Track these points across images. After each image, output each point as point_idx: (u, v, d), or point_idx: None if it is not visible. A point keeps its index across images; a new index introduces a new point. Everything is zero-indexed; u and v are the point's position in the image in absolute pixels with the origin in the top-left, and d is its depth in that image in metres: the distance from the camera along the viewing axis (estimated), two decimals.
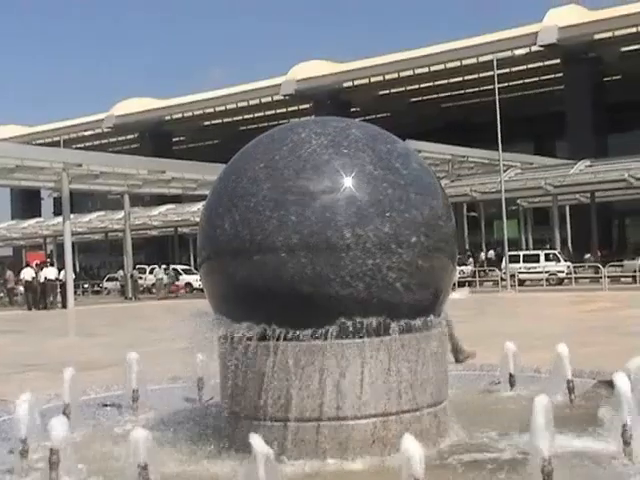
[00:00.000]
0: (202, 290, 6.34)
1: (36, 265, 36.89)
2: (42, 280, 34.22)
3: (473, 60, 55.98)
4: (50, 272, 35.07)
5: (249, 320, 5.55)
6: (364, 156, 5.67)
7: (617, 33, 51.98)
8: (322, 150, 5.65)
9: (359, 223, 5.39)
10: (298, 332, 5.36)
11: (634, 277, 33.77)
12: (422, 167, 6.15)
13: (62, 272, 35.62)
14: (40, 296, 34.24)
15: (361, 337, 5.38)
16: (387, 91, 64.09)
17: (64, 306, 34.04)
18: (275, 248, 5.39)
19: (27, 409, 5.39)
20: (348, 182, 5.49)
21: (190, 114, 71.86)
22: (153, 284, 43.25)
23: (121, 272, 45.07)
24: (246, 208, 5.57)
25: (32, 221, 63.41)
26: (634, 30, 51.21)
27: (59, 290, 35.28)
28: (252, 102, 68.18)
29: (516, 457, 5.01)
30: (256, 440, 3.88)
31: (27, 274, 35.21)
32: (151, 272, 45.02)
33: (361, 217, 5.41)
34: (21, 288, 36.66)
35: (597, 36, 53.13)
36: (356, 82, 63.46)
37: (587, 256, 41.22)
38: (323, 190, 5.45)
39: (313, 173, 5.53)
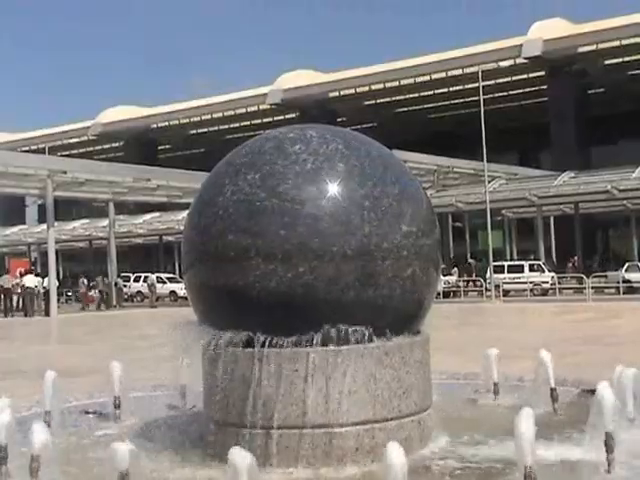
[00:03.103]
0: (186, 298, 6.33)
1: (19, 273, 36.71)
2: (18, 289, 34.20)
3: (459, 71, 56.28)
4: (29, 280, 34.92)
5: (233, 327, 5.54)
6: (350, 164, 5.68)
7: (601, 46, 52.42)
8: (307, 158, 5.65)
9: (344, 231, 5.40)
10: (282, 339, 5.35)
11: (617, 288, 33.98)
12: (407, 176, 6.17)
13: (45, 280, 35.42)
14: (18, 304, 34.14)
15: (345, 345, 5.37)
16: (373, 101, 64.31)
17: (47, 314, 33.82)
18: (259, 256, 5.38)
19: (7, 416, 5.33)
20: (333, 190, 5.50)
21: (176, 122, 71.76)
22: (138, 292, 43.01)
23: (99, 279, 44.53)
24: (229, 216, 5.56)
25: (16, 228, 63.01)
26: (617, 43, 51.67)
27: (42, 299, 35.11)
28: (238, 111, 68.20)
29: (499, 465, 5.01)
30: (236, 450, 3.86)
31: (5, 282, 35.04)
32: (136, 280, 44.82)
33: (346, 225, 5.42)
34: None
35: (581, 49, 53.57)
36: (342, 92, 63.62)
37: (569, 265, 41.54)
38: (308, 198, 5.45)
39: (298, 181, 5.53)
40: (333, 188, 5.50)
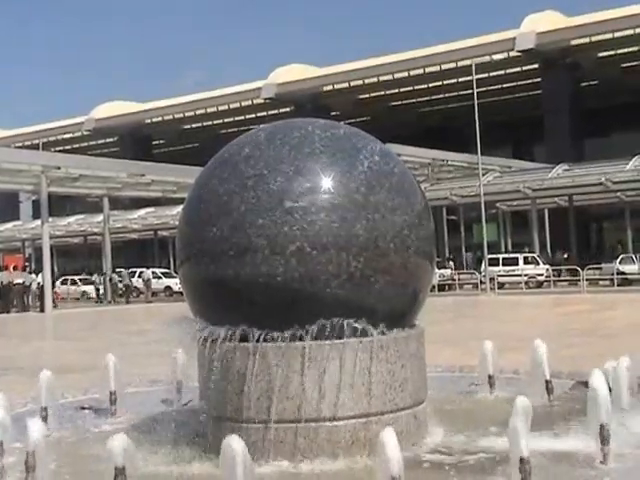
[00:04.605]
0: (181, 293, 6.32)
1: (13, 268, 36.68)
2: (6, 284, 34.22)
3: (452, 65, 56.19)
4: (18, 276, 34.92)
5: (229, 322, 5.54)
6: (345, 157, 5.68)
7: (594, 39, 52.41)
8: (303, 152, 5.66)
9: (338, 225, 5.40)
10: (278, 333, 5.35)
11: (612, 280, 34.07)
12: (401, 169, 6.17)
13: (39, 276, 35.39)
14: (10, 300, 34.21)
15: (340, 338, 5.38)
16: (367, 95, 64.21)
17: (42, 310, 33.78)
18: (254, 250, 5.39)
19: (2, 412, 5.33)
20: (328, 184, 5.50)
21: (170, 117, 71.54)
22: (135, 287, 42.88)
23: (96, 276, 44.68)
24: (224, 211, 5.56)
25: (10, 224, 62.79)
26: (611, 36, 51.67)
27: (37, 294, 35.12)
28: (232, 105, 68.04)
29: (495, 457, 5.03)
30: (234, 441, 3.88)
31: (2, 278, 34.98)
32: (132, 275, 44.79)
33: (340, 219, 5.42)
34: None
35: (574, 42, 53.55)
36: (336, 86, 63.52)
37: (564, 255, 41.63)
38: (303, 192, 5.45)
39: (293, 175, 5.53)
40: (327, 182, 5.50)
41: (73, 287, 47.27)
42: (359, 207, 5.48)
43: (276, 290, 5.36)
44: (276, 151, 5.71)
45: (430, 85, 61.34)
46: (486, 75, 51.57)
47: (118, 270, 42.81)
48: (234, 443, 3.87)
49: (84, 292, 45.66)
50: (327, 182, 5.50)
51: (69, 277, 49.29)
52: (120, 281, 41.80)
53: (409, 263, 5.68)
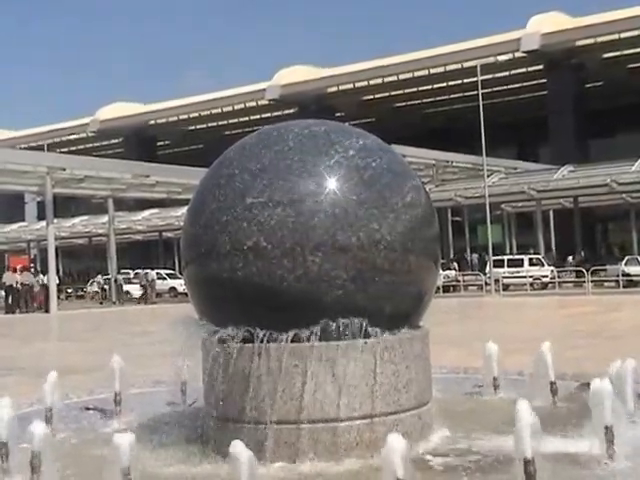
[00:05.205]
0: (186, 294, 6.33)
1: (19, 269, 36.78)
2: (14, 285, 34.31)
3: (457, 66, 56.17)
4: (24, 277, 34.98)
5: (233, 323, 5.54)
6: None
7: (599, 40, 52.35)
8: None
9: (343, 226, 5.39)
10: (282, 334, 5.35)
11: (617, 282, 33.98)
12: (405, 169, 6.17)
13: (45, 276, 35.47)
14: (16, 301, 34.28)
15: (345, 339, 5.38)
16: (371, 96, 64.21)
17: (46, 310, 33.84)
18: (258, 251, 5.39)
19: (7, 412, 5.34)
20: (331, 185, 5.49)
21: (175, 119, 71.64)
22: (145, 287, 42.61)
23: (99, 277, 44.67)
24: (229, 212, 5.56)
25: (15, 225, 62.93)
26: (616, 37, 51.60)
27: (39, 295, 35.22)
28: (237, 107, 68.12)
29: (500, 459, 5.02)
30: (237, 444, 3.88)
31: (8, 278, 35.01)
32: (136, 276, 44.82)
33: (345, 220, 5.41)
34: (2, 292, 36.49)
35: (579, 42, 53.49)
36: (341, 87, 63.54)
37: (570, 260, 41.48)
38: (306, 194, 5.45)
39: (297, 176, 5.53)
40: (331, 183, 5.50)
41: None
42: (364, 207, 5.46)
43: (280, 291, 5.36)
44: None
45: (435, 86, 61.32)
46: (491, 76, 51.50)
47: (135, 272, 42.78)
48: (240, 446, 3.87)
49: (127, 292, 42.89)
50: (330, 182, 5.47)
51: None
52: (138, 282, 41.29)
53: (413, 263, 5.64)
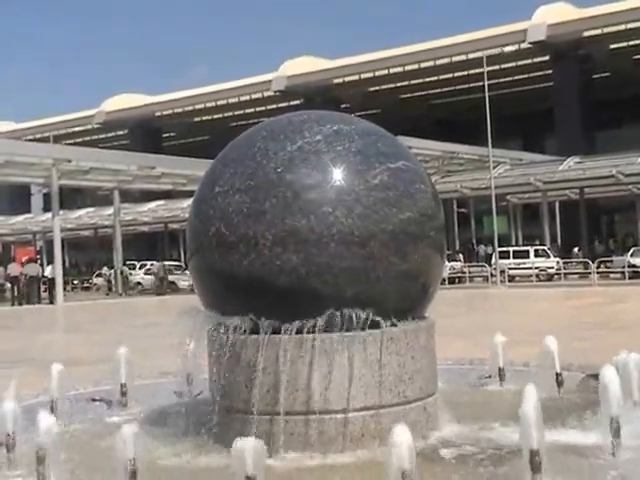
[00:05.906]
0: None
1: (27, 261, 36.85)
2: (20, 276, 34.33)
3: (463, 57, 56.00)
4: (30, 269, 34.99)
5: (239, 314, 5.54)
6: (352, 149, 5.65)
7: (606, 30, 52.10)
8: (310, 144, 5.64)
9: (347, 216, 5.38)
10: (287, 325, 5.35)
11: (623, 273, 33.89)
12: (410, 160, 6.15)
13: (50, 268, 35.52)
14: (21, 292, 34.31)
15: (350, 330, 5.37)
16: (377, 87, 64.06)
17: (52, 302, 33.92)
18: (263, 242, 5.38)
19: (14, 403, 5.36)
20: (335, 175, 5.48)
21: (180, 110, 71.61)
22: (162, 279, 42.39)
23: (105, 269, 44.70)
24: (234, 203, 5.56)
25: (21, 217, 63.05)
26: (623, 27, 51.35)
27: (46, 286, 35.26)
28: (243, 98, 68.05)
29: (506, 450, 5.02)
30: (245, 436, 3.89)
31: (13, 270, 35.05)
32: (141, 268, 44.82)
33: (349, 210, 5.40)
34: (8, 284, 36.52)
35: (586, 33, 53.25)
36: (346, 78, 63.42)
37: (575, 251, 41.42)
38: (311, 184, 5.44)
39: (301, 167, 5.52)
40: (335, 173, 5.48)
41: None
42: (369, 198, 5.45)
43: (285, 282, 5.35)
44: (282, 143, 5.74)
45: (440, 77, 61.14)
46: (497, 67, 51.40)
47: (151, 263, 42.73)
48: (247, 439, 3.87)
49: (138, 283, 43.13)
50: (334, 173, 5.46)
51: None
52: (156, 273, 40.79)
53: (419, 255, 5.63)
